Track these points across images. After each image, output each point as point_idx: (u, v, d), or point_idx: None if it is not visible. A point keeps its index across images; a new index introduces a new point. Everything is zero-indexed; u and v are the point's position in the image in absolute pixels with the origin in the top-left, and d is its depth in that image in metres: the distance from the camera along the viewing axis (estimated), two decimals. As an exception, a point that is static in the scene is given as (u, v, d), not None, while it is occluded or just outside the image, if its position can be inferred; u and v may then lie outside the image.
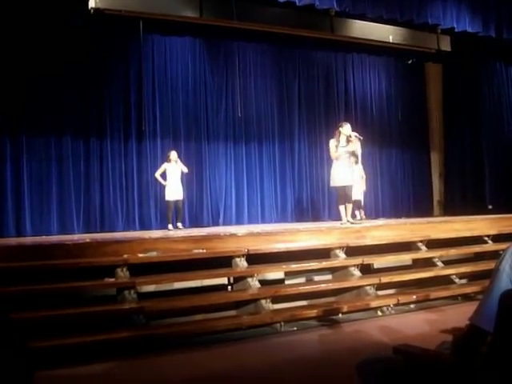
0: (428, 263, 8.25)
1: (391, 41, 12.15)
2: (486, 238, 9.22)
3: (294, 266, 7.30)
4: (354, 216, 9.80)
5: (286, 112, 13.26)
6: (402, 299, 7.12)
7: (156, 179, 10.82)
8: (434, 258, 8.28)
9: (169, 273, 6.57)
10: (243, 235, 7.72)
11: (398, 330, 6.10)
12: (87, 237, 8.80)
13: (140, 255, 6.61)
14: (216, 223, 12.16)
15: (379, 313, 6.89)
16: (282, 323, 6.22)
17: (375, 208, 13.70)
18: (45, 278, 5.86)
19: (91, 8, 9.53)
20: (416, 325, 6.23)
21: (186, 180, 11.11)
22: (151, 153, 11.73)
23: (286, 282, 7.41)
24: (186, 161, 11.23)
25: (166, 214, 10.79)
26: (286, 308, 6.73)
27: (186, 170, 10.75)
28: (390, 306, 6.97)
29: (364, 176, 11.29)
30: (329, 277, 7.66)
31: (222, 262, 6.97)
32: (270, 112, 13.08)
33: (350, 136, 9.28)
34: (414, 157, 14.79)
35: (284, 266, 7.30)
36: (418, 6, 10.99)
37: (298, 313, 6.50)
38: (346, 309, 6.69)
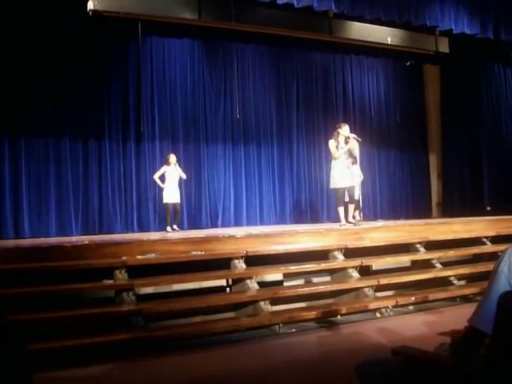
0: (426, 265, 8.25)
1: (389, 42, 12.16)
2: (485, 240, 9.22)
3: (293, 268, 7.30)
4: (353, 217, 9.80)
5: (284, 114, 13.27)
6: (401, 301, 7.11)
7: (154, 181, 10.82)
8: (432, 259, 8.29)
9: (167, 275, 6.56)
10: (242, 237, 7.71)
11: (396, 332, 6.10)
12: (85, 239, 8.79)
13: (138, 257, 6.60)
14: (214, 225, 12.16)
15: (378, 314, 6.89)
16: (281, 325, 6.22)
17: (373, 209, 13.72)
18: (43, 280, 5.85)
19: (90, 10, 9.53)
20: (414, 326, 6.23)
21: (185, 182, 11.12)
22: (150, 154, 11.73)
23: (285, 284, 7.41)
24: (185, 162, 11.24)
25: (165, 216, 10.79)
26: (285, 310, 6.73)
27: (184, 176, 10.77)
28: (388, 307, 6.97)
29: (362, 177, 11.29)
30: (327, 278, 7.66)
31: (221, 263, 6.97)
32: (268, 114, 13.09)
33: (349, 137, 9.29)
34: (413, 158, 14.80)
35: (283, 268, 7.30)
36: (416, 8, 11.00)
37: (296, 314, 6.49)
38: (345, 310, 6.69)
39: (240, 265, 6.95)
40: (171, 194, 10.61)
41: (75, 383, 4.67)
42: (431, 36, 12.36)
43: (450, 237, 8.91)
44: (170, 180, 10.65)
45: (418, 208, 14.46)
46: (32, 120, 10.52)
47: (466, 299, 7.51)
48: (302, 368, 4.82)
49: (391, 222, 11.52)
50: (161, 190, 10.79)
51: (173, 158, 10.72)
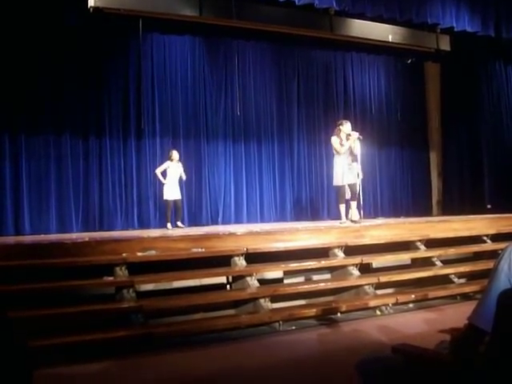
0: (427, 263, 8.26)
1: (390, 40, 12.15)
2: (485, 238, 9.22)
3: (293, 265, 7.30)
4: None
5: (285, 111, 13.25)
6: (401, 298, 7.12)
7: (156, 175, 10.80)
8: (432, 257, 8.29)
9: (168, 272, 6.57)
10: (242, 234, 7.71)
11: (396, 330, 6.10)
12: (86, 235, 8.79)
13: (139, 254, 6.61)
14: (215, 222, 12.16)
15: (378, 312, 6.90)
16: (281, 322, 6.23)
17: (374, 207, 13.71)
18: (43, 277, 5.86)
19: (90, 7, 9.53)
20: (415, 324, 6.24)
21: (185, 179, 11.08)
22: (150, 151, 11.73)
23: (285, 281, 7.41)
24: (185, 159, 11.23)
25: (165, 212, 10.79)
26: (285, 307, 6.74)
27: (184, 177, 10.76)
28: (388, 305, 6.98)
29: (361, 176, 11.27)
30: (328, 276, 7.66)
31: (221, 261, 6.97)
32: (269, 111, 13.08)
33: (350, 134, 9.30)
34: (413, 156, 14.78)
35: (283, 265, 7.30)
36: (418, 6, 10.99)
37: (296, 312, 6.50)
38: (345, 308, 6.69)
39: (240, 262, 6.96)
40: (172, 191, 10.61)
41: (75, 380, 4.67)
42: (432, 34, 12.35)
43: (451, 235, 8.92)
44: (172, 176, 10.65)
45: (418, 206, 14.45)
46: (32, 117, 10.52)
47: (466, 297, 7.52)
48: (301, 365, 4.82)
49: (391, 220, 11.52)
50: (161, 186, 10.78)
51: (175, 154, 10.73)
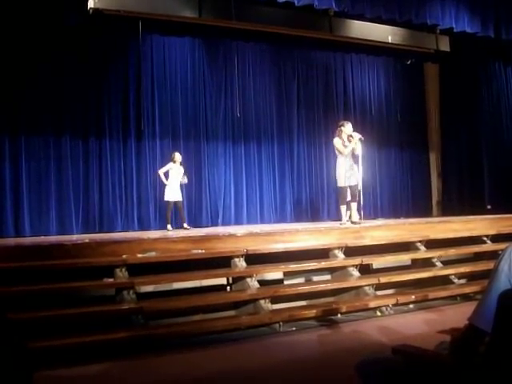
0: (427, 263, 8.26)
1: (390, 41, 12.14)
2: (485, 238, 9.22)
3: (293, 266, 7.31)
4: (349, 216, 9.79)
5: (284, 112, 13.25)
6: (401, 299, 7.12)
7: (159, 176, 10.77)
8: (432, 258, 8.29)
9: (168, 273, 6.57)
10: (242, 235, 7.72)
11: (396, 331, 6.10)
12: (86, 237, 8.79)
13: (139, 255, 6.61)
14: (215, 223, 12.15)
15: (378, 313, 6.89)
16: (281, 323, 6.22)
17: (374, 208, 13.71)
18: (43, 279, 5.86)
19: (90, 8, 9.53)
20: (415, 325, 6.24)
21: (187, 182, 11.06)
22: (150, 153, 11.72)
23: (285, 282, 7.42)
24: (185, 161, 11.21)
25: (165, 214, 10.79)
26: (285, 308, 6.74)
27: (185, 181, 10.74)
28: (388, 306, 6.97)
29: (362, 176, 11.26)
30: (328, 277, 7.67)
31: (221, 262, 6.97)
32: (268, 112, 13.08)
33: (351, 135, 9.31)
34: (413, 157, 14.78)
35: (283, 267, 7.31)
36: (417, 7, 10.98)
37: (296, 313, 6.50)
38: (345, 309, 6.69)
39: (240, 263, 6.96)
40: (173, 192, 10.60)
41: (75, 381, 4.67)
42: (432, 34, 12.35)
43: (451, 235, 8.92)
44: (174, 178, 10.64)
45: (418, 206, 14.44)
46: (32, 118, 10.51)
47: (466, 298, 7.52)
48: (302, 366, 4.82)
49: (391, 221, 11.52)
50: (162, 187, 10.77)
51: (178, 156, 10.73)
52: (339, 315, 6.66)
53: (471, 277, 8.36)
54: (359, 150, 9.49)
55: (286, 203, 13.10)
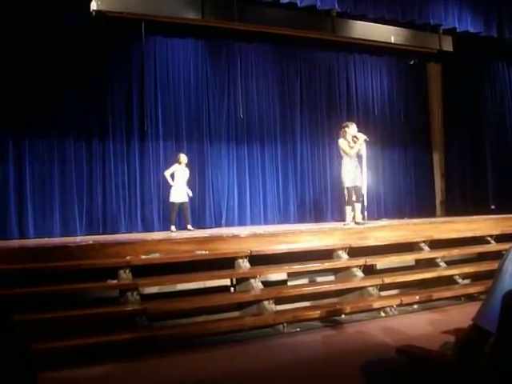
0: (431, 264, 8.25)
1: (393, 41, 12.13)
2: (489, 238, 9.21)
3: (297, 267, 7.31)
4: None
5: (288, 113, 13.25)
6: (405, 300, 7.11)
7: (165, 177, 10.76)
8: (436, 258, 8.28)
9: (171, 274, 6.58)
10: (246, 236, 7.72)
11: (401, 331, 6.10)
12: (90, 239, 8.80)
13: (143, 257, 6.62)
14: (218, 224, 12.15)
15: (382, 313, 6.89)
16: (285, 324, 6.22)
17: (377, 208, 13.68)
18: (47, 280, 5.87)
19: (93, 10, 9.54)
20: (419, 325, 6.23)
21: (189, 181, 11.06)
22: (154, 154, 11.73)
23: (289, 283, 7.41)
24: (189, 162, 11.17)
25: (170, 215, 10.77)
26: (289, 309, 6.74)
27: (190, 194, 10.75)
28: (393, 306, 6.97)
29: (366, 177, 11.25)
30: (331, 278, 7.66)
31: (225, 263, 6.98)
32: (272, 113, 13.07)
33: (356, 136, 9.31)
34: (417, 157, 14.76)
35: (287, 267, 7.31)
36: (420, 7, 10.97)
37: (300, 314, 6.50)
38: (349, 310, 6.69)
39: (244, 264, 6.96)
40: (179, 194, 10.59)
41: (80, 383, 4.68)
42: (435, 34, 12.33)
43: (455, 235, 8.91)
44: (179, 179, 10.64)
45: (422, 207, 14.41)
46: (35, 121, 10.52)
47: (470, 298, 7.51)
48: (306, 367, 4.82)
49: (395, 221, 11.50)
50: (167, 188, 10.75)
51: (184, 157, 10.72)
52: (343, 316, 6.66)
53: (475, 277, 8.34)
54: (364, 151, 9.49)
55: (289, 204, 13.10)
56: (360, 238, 8.24)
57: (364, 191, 9.65)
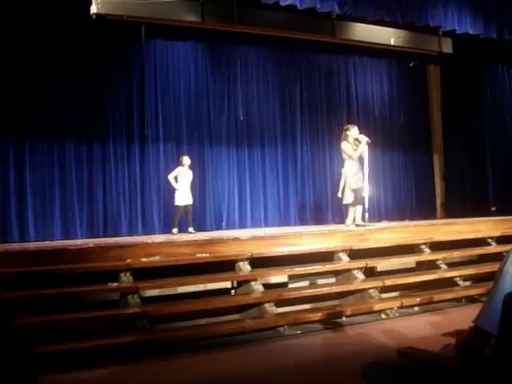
0: (432, 265, 8.25)
1: (392, 43, 12.14)
2: (490, 240, 9.20)
3: (298, 270, 7.30)
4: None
5: (288, 115, 13.25)
6: (406, 302, 7.11)
7: (169, 181, 10.76)
8: (437, 260, 8.28)
9: (172, 277, 6.57)
10: (246, 239, 7.71)
11: (401, 333, 6.09)
12: (90, 242, 8.80)
13: (143, 260, 6.62)
14: (219, 227, 12.14)
15: (383, 316, 6.88)
16: (286, 327, 6.22)
17: (378, 210, 13.67)
18: (48, 283, 5.87)
19: (93, 13, 9.54)
20: (420, 327, 6.22)
21: (190, 184, 11.09)
22: (154, 157, 11.73)
23: (290, 286, 7.41)
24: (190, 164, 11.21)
25: (174, 217, 10.73)
26: (290, 311, 6.74)
27: (190, 201, 10.79)
28: (393, 308, 6.97)
29: (368, 179, 11.25)
30: (332, 280, 7.66)
31: (226, 265, 6.98)
32: (272, 116, 13.07)
33: (357, 139, 9.31)
34: (417, 159, 14.76)
35: (287, 270, 7.30)
36: (419, 9, 10.97)
37: (301, 316, 6.50)
38: (350, 312, 6.69)
39: (245, 267, 6.96)
40: (184, 197, 10.60)
41: (81, 386, 4.68)
42: (434, 36, 12.33)
43: (455, 237, 8.90)
44: (183, 182, 10.64)
45: (422, 209, 14.41)
46: (36, 124, 10.53)
47: (471, 300, 7.51)
48: (307, 370, 4.82)
49: (396, 223, 11.50)
50: (172, 192, 10.76)
51: (186, 159, 10.75)
52: (344, 318, 6.65)
53: (476, 279, 8.34)
54: (366, 153, 9.49)
55: (290, 206, 13.09)
56: (361, 240, 8.24)
57: (366, 193, 9.63)
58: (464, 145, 14.09)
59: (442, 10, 11.11)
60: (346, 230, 8.94)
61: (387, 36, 12.03)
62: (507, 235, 9.18)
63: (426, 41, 12.51)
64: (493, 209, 12.86)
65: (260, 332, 6.13)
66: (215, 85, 12.49)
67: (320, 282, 7.60)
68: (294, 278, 7.43)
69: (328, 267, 7.57)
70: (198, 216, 11.88)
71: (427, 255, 8.40)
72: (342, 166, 9.88)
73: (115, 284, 6.18)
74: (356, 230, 8.79)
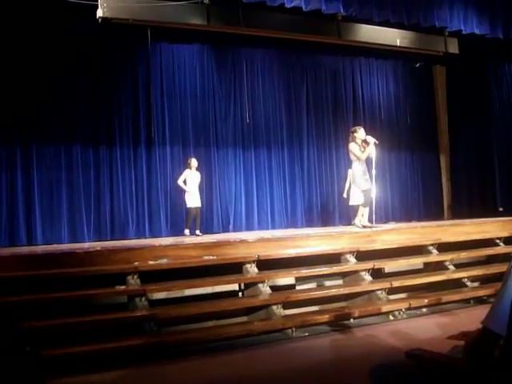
0: (439, 267, 8.23)
1: (398, 44, 12.09)
2: (498, 241, 9.17)
3: (305, 272, 7.29)
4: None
5: (294, 117, 13.25)
6: (414, 303, 7.09)
7: (178, 186, 10.82)
8: (445, 261, 8.25)
9: (180, 280, 6.58)
10: (253, 241, 7.71)
11: (410, 335, 6.07)
12: (98, 245, 8.82)
13: (151, 262, 6.63)
14: (226, 229, 12.15)
15: (391, 317, 6.87)
16: (294, 329, 6.21)
17: (385, 212, 13.65)
18: (56, 287, 5.89)
19: (99, 17, 9.56)
20: (428, 329, 6.20)
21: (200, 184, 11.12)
22: (161, 160, 11.76)
23: (297, 288, 7.41)
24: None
25: (186, 220, 10.86)
26: (298, 313, 6.73)
27: (199, 203, 10.84)
28: (401, 310, 6.95)
29: (375, 181, 11.23)
30: (340, 282, 7.65)
31: (233, 268, 6.98)
32: (278, 117, 13.08)
33: (365, 140, 9.30)
34: (424, 160, 14.74)
35: (295, 272, 7.30)
36: (425, 9, 10.95)
37: (309, 318, 6.49)
38: (358, 314, 6.67)
39: (252, 269, 6.96)
40: (194, 198, 10.70)
41: (89, 389, 4.69)
42: (440, 37, 12.29)
43: (463, 238, 8.87)
44: (192, 184, 10.73)
45: (429, 210, 14.39)
46: (43, 128, 10.58)
47: (479, 301, 7.48)
48: (315, 372, 4.81)
49: (403, 224, 11.48)
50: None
51: (194, 162, 10.85)
52: (352, 320, 6.64)
53: (484, 280, 8.31)
54: (373, 154, 9.47)
55: (296, 208, 13.09)
56: (368, 242, 8.23)
57: (373, 195, 9.61)
58: (471, 145, 14.06)
59: (447, 10, 11.09)
60: (353, 231, 8.91)
61: (393, 37, 11.99)
62: (515, 236, 9.15)
63: (431, 41, 12.46)
64: (500, 209, 12.82)
65: (268, 334, 6.12)
66: (221, 87, 12.51)
67: (327, 283, 7.59)
68: (301, 279, 7.43)
69: (335, 269, 7.56)
70: (205, 218, 11.89)
71: (435, 256, 8.38)
72: (349, 167, 9.88)
73: (123, 287, 6.20)
74: (363, 232, 8.78)
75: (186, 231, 10.66)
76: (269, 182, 12.88)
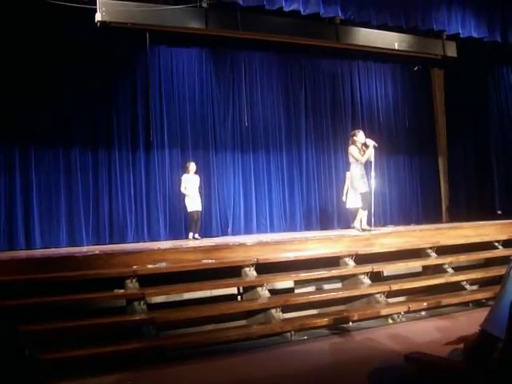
0: (438, 270, 8.22)
1: (397, 48, 12.11)
2: (496, 244, 9.16)
3: (304, 275, 7.28)
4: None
5: (293, 120, 13.26)
6: (413, 306, 7.08)
7: (183, 194, 10.84)
8: (444, 264, 8.24)
9: (178, 283, 6.57)
10: (252, 245, 7.71)
11: (409, 338, 6.07)
12: (96, 248, 8.81)
13: (149, 266, 6.62)
14: (225, 233, 12.15)
15: (390, 320, 6.86)
16: (293, 332, 6.21)
17: (384, 215, 13.65)
18: (54, 290, 5.88)
19: (97, 21, 9.58)
20: (427, 332, 6.19)
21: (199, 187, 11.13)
22: (159, 163, 11.76)
23: (296, 291, 7.40)
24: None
25: (189, 223, 10.89)
26: (296, 317, 6.72)
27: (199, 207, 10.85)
28: (400, 313, 6.94)
29: (375, 183, 11.23)
30: (338, 285, 7.64)
31: (232, 271, 6.97)
32: (276, 121, 13.09)
33: (365, 143, 9.31)
34: (422, 163, 14.75)
35: (293, 275, 7.29)
36: (423, 13, 10.97)
37: (308, 322, 6.48)
38: (357, 317, 6.66)
39: (251, 272, 6.95)
40: (194, 202, 10.73)
41: (88, 393, 4.68)
42: (438, 40, 12.32)
43: (462, 241, 8.87)
44: (192, 188, 10.75)
45: (428, 213, 14.39)
46: (41, 131, 10.58)
47: (478, 304, 7.48)
48: (314, 375, 4.80)
49: (402, 228, 11.47)
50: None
51: (193, 166, 10.87)
52: (351, 323, 6.63)
53: (483, 283, 8.30)
54: (372, 157, 9.48)
55: (295, 212, 13.09)
56: (366, 245, 8.22)
57: (372, 198, 9.62)
58: (469, 148, 14.08)
59: (445, 13, 11.11)
60: (352, 235, 8.91)
61: (391, 40, 12.02)
62: (514, 239, 9.14)
63: (430, 45, 12.49)
64: (499, 212, 12.83)
65: (266, 338, 6.12)
66: (220, 90, 12.52)
67: (326, 287, 7.58)
68: (300, 283, 7.42)
69: (334, 272, 7.56)
70: (203, 222, 11.88)
71: (433, 259, 8.38)
72: (348, 170, 9.89)
73: (121, 291, 6.19)
74: (362, 235, 8.78)
75: (190, 235, 10.70)
76: (267, 185, 12.89)
